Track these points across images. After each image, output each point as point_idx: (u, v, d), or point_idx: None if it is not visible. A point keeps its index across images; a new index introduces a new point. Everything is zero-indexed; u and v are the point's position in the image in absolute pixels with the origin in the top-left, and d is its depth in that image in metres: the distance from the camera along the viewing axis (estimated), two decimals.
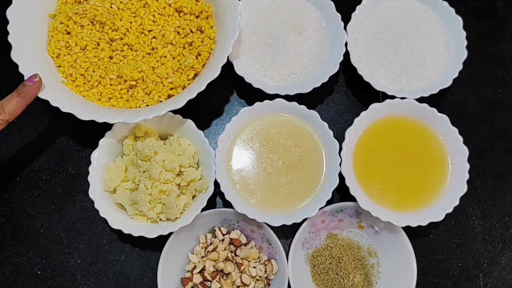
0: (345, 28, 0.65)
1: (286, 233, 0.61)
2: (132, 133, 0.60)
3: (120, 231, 0.55)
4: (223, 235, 0.59)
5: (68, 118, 0.54)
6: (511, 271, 0.62)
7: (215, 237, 0.59)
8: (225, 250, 0.59)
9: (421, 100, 0.61)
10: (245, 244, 0.59)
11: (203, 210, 0.56)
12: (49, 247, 0.61)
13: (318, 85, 0.61)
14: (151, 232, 0.55)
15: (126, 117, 0.54)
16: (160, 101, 0.59)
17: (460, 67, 0.63)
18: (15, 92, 0.53)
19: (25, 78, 0.54)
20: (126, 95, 0.60)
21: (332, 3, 0.66)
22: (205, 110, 0.67)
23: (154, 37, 0.61)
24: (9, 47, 0.55)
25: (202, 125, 0.64)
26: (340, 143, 0.59)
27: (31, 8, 0.59)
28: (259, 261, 0.59)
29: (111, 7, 0.60)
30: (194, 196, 0.58)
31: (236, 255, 0.59)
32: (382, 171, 0.59)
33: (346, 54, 0.64)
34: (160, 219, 0.57)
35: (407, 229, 0.58)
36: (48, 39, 0.61)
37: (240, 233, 0.60)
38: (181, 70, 0.60)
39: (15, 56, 0.55)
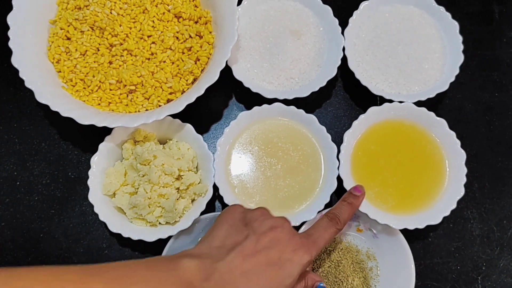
0: (342, 33, 0.65)
1: None
2: (131, 137, 0.60)
3: (119, 235, 0.55)
4: None
5: (68, 122, 0.54)
6: (510, 274, 0.62)
7: None
8: None
9: (418, 104, 0.61)
10: None
11: (202, 213, 0.56)
12: (48, 251, 0.61)
13: (316, 89, 0.62)
14: (150, 235, 0.55)
15: (126, 121, 0.55)
16: (159, 106, 0.59)
17: (457, 71, 0.64)
18: (344, 201, 0.53)
19: (26, 83, 0.54)
20: (125, 100, 0.60)
21: (329, 8, 0.66)
22: (204, 115, 0.67)
23: (153, 43, 0.62)
24: (9, 52, 0.56)
25: (201, 129, 0.65)
26: (338, 147, 0.59)
27: (32, 14, 0.60)
28: None
29: (111, 13, 0.61)
30: (193, 200, 0.59)
31: None
32: (380, 174, 0.60)
33: (344, 59, 0.64)
34: (159, 223, 0.57)
35: (406, 233, 0.58)
36: (48, 44, 0.61)
37: None
38: (180, 75, 0.61)
39: (15, 61, 0.56)
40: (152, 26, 0.62)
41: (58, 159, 0.65)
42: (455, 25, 0.67)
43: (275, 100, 0.62)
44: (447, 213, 0.57)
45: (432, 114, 0.61)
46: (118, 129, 0.58)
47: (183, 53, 0.62)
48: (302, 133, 0.62)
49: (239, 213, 0.46)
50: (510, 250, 0.63)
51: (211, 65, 0.59)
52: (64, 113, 0.54)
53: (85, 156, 0.65)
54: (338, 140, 0.60)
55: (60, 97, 0.57)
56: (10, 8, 0.58)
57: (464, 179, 0.58)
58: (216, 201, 0.64)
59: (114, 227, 0.55)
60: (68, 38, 0.62)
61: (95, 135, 0.59)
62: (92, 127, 0.54)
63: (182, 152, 0.58)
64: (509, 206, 0.65)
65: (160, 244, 0.56)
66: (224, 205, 0.58)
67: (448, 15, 0.67)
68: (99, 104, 0.60)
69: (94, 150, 0.58)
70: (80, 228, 0.62)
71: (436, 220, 0.56)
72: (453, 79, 0.63)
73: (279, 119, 0.63)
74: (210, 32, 0.63)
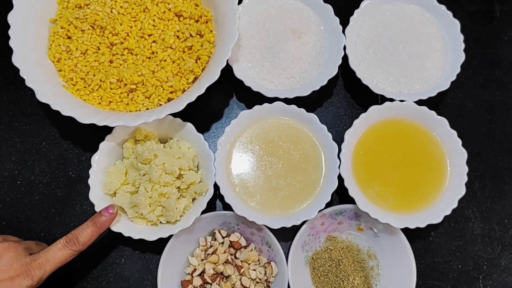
0: (343, 32, 0.65)
1: (286, 235, 0.61)
2: (132, 136, 0.60)
3: (120, 234, 0.55)
4: (223, 237, 0.60)
5: (68, 121, 0.54)
6: (511, 273, 0.62)
7: (215, 239, 0.60)
8: (225, 252, 0.59)
9: (419, 103, 0.61)
10: (245, 247, 0.60)
11: (203, 212, 0.56)
12: None
13: (317, 88, 0.62)
14: (151, 235, 0.55)
15: (126, 120, 0.55)
16: (160, 105, 0.59)
17: (458, 70, 0.64)
18: (90, 222, 0.52)
19: (26, 82, 0.54)
20: (126, 99, 0.60)
21: (330, 7, 0.66)
22: (204, 114, 0.67)
23: (154, 41, 0.61)
24: (10, 51, 0.56)
25: (202, 128, 0.65)
26: (339, 145, 0.59)
27: (32, 13, 0.60)
28: (259, 263, 0.59)
29: (111, 11, 0.61)
30: (194, 199, 0.59)
31: (236, 257, 0.59)
32: (381, 173, 0.60)
33: (345, 58, 0.64)
34: (160, 222, 0.57)
35: (407, 232, 0.58)
36: (49, 43, 0.61)
37: (240, 235, 0.60)
38: (180, 74, 0.61)
39: (16, 60, 0.56)
40: (153, 25, 0.61)
41: (58, 158, 0.65)
42: (456, 23, 0.67)
43: (276, 99, 0.62)
44: (448, 212, 0.57)
45: (433, 113, 0.61)
46: (119, 128, 0.58)
47: (183, 52, 0.62)
48: (303, 132, 0.62)
49: None
50: (511, 249, 0.63)
51: (212, 64, 0.59)
52: (64, 112, 0.54)
53: (85, 155, 0.65)
54: (339, 139, 0.60)
55: (60, 96, 0.57)
56: (10, 7, 0.58)
57: (465, 178, 0.58)
58: (217, 200, 0.64)
59: (114, 226, 0.55)
60: (69, 37, 0.62)
61: (96, 134, 0.59)
62: (92, 126, 0.54)
63: (183, 151, 0.58)
64: (510, 205, 0.65)
65: (161, 243, 0.56)
66: (225, 204, 0.58)
67: (449, 13, 0.67)
68: (99, 103, 0.60)
69: (95, 149, 0.58)
70: None
71: (437, 219, 0.56)
72: (454, 78, 0.63)
73: (280, 118, 0.63)
74: (211, 31, 0.63)
